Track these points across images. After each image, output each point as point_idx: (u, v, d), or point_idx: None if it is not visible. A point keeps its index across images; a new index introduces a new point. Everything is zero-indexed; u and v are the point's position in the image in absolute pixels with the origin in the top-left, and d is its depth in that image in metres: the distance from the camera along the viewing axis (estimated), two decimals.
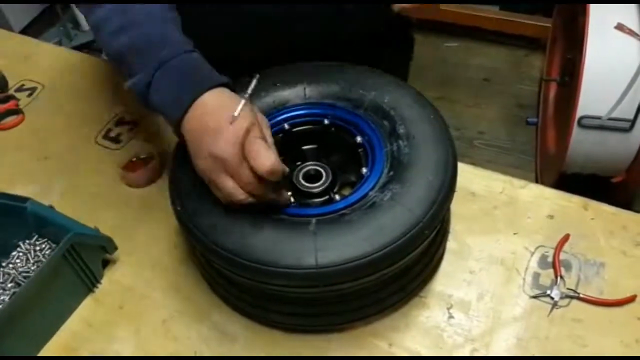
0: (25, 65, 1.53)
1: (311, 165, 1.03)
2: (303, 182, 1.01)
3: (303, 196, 1.00)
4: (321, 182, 1.01)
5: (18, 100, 1.43)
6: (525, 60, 3.09)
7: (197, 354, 0.97)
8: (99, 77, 1.47)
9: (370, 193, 0.92)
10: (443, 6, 3.07)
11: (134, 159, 1.23)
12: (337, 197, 0.97)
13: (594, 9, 1.94)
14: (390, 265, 0.87)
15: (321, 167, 1.02)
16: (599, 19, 1.94)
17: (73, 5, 3.30)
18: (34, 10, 3.47)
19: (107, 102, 1.39)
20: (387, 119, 1.00)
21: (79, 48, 3.11)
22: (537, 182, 2.32)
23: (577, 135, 1.97)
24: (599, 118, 1.92)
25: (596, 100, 1.91)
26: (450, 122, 2.72)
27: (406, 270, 0.95)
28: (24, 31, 3.30)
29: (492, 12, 3.06)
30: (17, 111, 1.40)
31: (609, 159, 2.02)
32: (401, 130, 0.98)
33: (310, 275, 0.84)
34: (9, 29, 3.06)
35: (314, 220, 0.88)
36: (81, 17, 3.34)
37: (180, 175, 0.96)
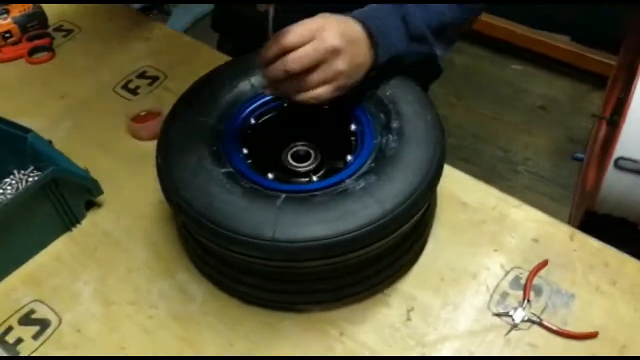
0: (68, 6, 1.56)
1: (302, 145, 1.03)
2: (290, 160, 1.01)
3: (287, 174, 1.00)
4: (308, 163, 1.00)
5: (53, 38, 1.46)
6: (587, 95, 3.02)
7: (153, 308, 0.98)
8: (134, 30, 1.49)
9: (347, 180, 0.91)
10: (514, 28, 3.03)
11: (145, 112, 1.25)
12: (315, 179, 0.97)
13: None
14: (346, 252, 0.86)
15: (311, 148, 1.02)
16: None
17: None
18: None
19: (134, 55, 1.42)
20: (384, 112, 0.99)
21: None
22: (569, 218, 2.29)
23: (612, 175, 1.91)
24: (636, 162, 1.86)
25: (637, 143, 1.86)
26: (498, 143, 2.73)
27: (370, 262, 0.94)
28: None
29: (562, 41, 3.00)
30: (48, 48, 1.43)
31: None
32: (394, 124, 0.96)
33: (266, 247, 0.84)
34: None
35: (283, 195, 0.88)
36: None
37: (168, 130, 0.97)
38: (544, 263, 1.01)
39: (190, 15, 3.36)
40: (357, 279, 0.95)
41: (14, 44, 1.45)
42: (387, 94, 1.01)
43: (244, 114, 1.02)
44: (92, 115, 1.28)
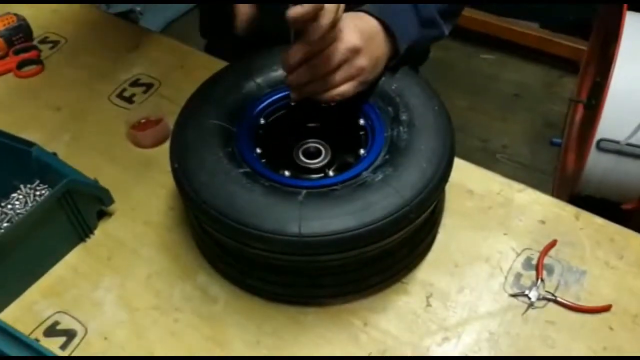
0: (51, 17, 1.56)
1: (312, 142, 1.04)
2: (302, 157, 1.03)
3: (300, 171, 1.01)
4: (319, 159, 1.02)
5: (40, 51, 1.46)
6: (558, 81, 3.08)
7: (178, 311, 0.99)
8: (122, 38, 1.49)
9: (364, 173, 0.93)
10: (483, 17, 3.07)
11: (144, 120, 1.25)
12: (331, 173, 0.98)
13: (627, 35, 1.93)
14: (371, 242, 0.88)
15: (321, 145, 1.03)
16: (631, 45, 1.93)
17: None
18: None
19: (126, 62, 1.42)
20: (392, 105, 1.01)
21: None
22: None
23: (594, 157, 1.96)
24: (617, 142, 1.91)
25: (617, 124, 1.90)
26: (475, 133, 2.77)
27: (389, 253, 0.96)
28: None
29: (531, 28, 3.05)
30: (37, 61, 1.43)
31: (622, 184, 2.00)
32: (404, 117, 0.99)
33: (292, 242, 0.85)
34: None
35: (304, 191, 0.90)
36: None
37: (181, 134, 0.99)
38: (553, 243, 1.03)
39: (162, 19, 3.35)
40: (377, 270, 0.97)
41: (1, 58, 1.44)
42: (393, 87, 1.03)
43: (254, 114, 1.04)
44: (91, 125, 1.28)
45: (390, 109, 1.01)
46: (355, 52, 0.95)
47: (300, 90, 0.97)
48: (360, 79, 0.97)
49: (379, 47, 1.00)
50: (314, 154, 1.03)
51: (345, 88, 0.96)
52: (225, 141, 0.97)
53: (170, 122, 1.07)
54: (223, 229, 0.89)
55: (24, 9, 1.52)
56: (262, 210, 0.87)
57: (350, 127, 1.03)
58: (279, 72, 1.06)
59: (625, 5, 1.97)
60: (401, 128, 0.97)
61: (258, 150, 0.99)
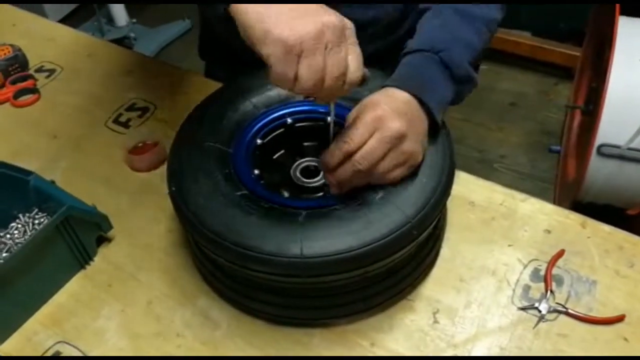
0: (47, 47, 1.56)
1: (310, 161, 1.03)
2: (300, 176, 1.01)
3: (299, 191, 1.00)
4: (318, 178, 1.01)
5: (36, 80, 1.45)
6: (554, 88, 3.07)
7: (180, 337, 0.97)
8: (117, 63, 1.49)
9: (363, 192, 0.91)
10: None
11: (140, 144, 1.24)
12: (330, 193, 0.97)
13: (621, 39, 1.93)
14: (375, 261, 0.86)
15: (319, 163, 1.02)
16: (626, 49, 1.92)
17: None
18: (71, 4, 3.54)
19: (121, 88, 1.41)
20: None
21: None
22: None
23: (595, 163, 1.95)
24: (618, 147, 1.90)
25: (617, 129, 1.89)
26: (472, 143, 2.76)
27: (393, 270, 0.94)
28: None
29: (524, 37, 3.05)
30: (33, 90, 1.42)
31: (625, 189, 1.99)
32: None
33: (294, 264, 0.84)
34: None
35: (304, 212, 0.89)
36: (116, 13, 3.40)
37: (177, 157, 0.98)
38: (561, 253, 1.02)
39: (155, 44, 3.37)
40: (382, 288, 0.95)
41: None
42: None
43: (250, 135, 1.02)
44: (88, 152, 1.27)
45: None
46: (400, 138, 0.87)
47: (343, 187, 0.91)
48: (410, 162, 0.90)
49: (421, 123, 0.92)
50: (312, 173, 1.02)
51: (395, 174, 0.89)
52: (222, 163, 0.96)
53: (167, 145, 1.06)
54: (223, 252, 0.88)
55: (19, 40, 1.52)
56: (262, 232, 0.86)
57: None
58: (274, 92, 1.05)
59: (617, 11, 1.97)
60: None
61: (256, 172, 0.98)
